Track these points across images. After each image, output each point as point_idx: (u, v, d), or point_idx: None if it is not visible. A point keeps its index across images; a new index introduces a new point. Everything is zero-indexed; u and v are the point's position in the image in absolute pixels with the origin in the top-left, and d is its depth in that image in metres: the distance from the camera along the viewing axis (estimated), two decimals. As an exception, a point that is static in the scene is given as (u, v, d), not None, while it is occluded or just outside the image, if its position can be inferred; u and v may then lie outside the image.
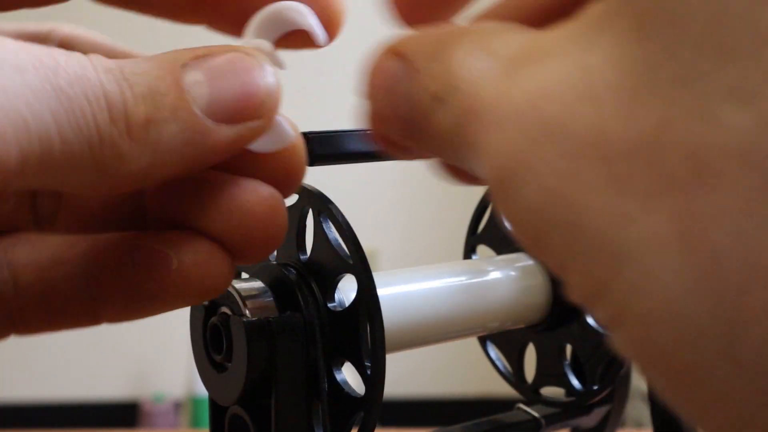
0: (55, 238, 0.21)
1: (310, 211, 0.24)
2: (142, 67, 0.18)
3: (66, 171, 0.17)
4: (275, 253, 0.25)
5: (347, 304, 0.23)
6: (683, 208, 0.11)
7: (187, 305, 0.20)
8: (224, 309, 0.23)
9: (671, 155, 0.11)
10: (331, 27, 0.22)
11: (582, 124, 0.12)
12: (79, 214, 0.22)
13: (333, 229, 0.23)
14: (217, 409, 0.25)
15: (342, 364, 0.23)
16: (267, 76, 0.19)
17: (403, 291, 0.27)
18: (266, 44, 0.21)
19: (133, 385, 1.82)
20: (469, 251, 0.34)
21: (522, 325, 0.31)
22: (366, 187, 1.75)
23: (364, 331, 0.22)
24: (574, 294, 0.13)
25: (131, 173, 0.18)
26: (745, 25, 0.11)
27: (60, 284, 0.20)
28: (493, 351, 0.33)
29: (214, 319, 0.23)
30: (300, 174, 0.21)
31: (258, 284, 0.24)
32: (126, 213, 0.21)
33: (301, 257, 0.24)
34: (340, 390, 0.23)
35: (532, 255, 0.14)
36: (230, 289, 0.23)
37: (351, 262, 0.22)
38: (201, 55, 0.19)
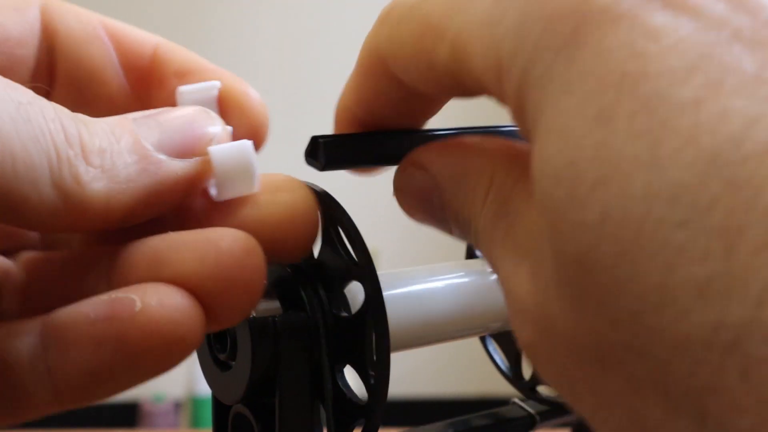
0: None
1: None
2: (99, 117, 0.19)
3: (27, 184, 0.17)
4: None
5: (353, 311, 0.23)
6: (631, 407, 0.15)
7: (154, 367, 0.18)
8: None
9: (611, 372, 0.15)
10: (258, 136, 0.23)
11: (560, 335, 0.16)
12: (44, 301, 0.21)
13: (342, 232, 0.23)
14: (220, 408, 0.25)
15: (344, 368, 0.23)
16: (213, 119, 0.21)
17: (405, 291, 0.27)
18: (217, 84, 0.23)
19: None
20: (471, 252, 0.34)
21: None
22: (367, 186, 1.75)
23: (369, 339, 0.22)
24: None
25: (91, 199, 0.18)
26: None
27: (13, 358, 0.18)
28: (493, 347, 0.34)
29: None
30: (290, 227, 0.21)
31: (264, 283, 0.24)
32: (94, 284, 0.20)
33: (309, 259, 0.24)
34: (342, 394, 0.23)
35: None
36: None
37: (359, 270, 0.22)
38: (154, 113, 0.20)
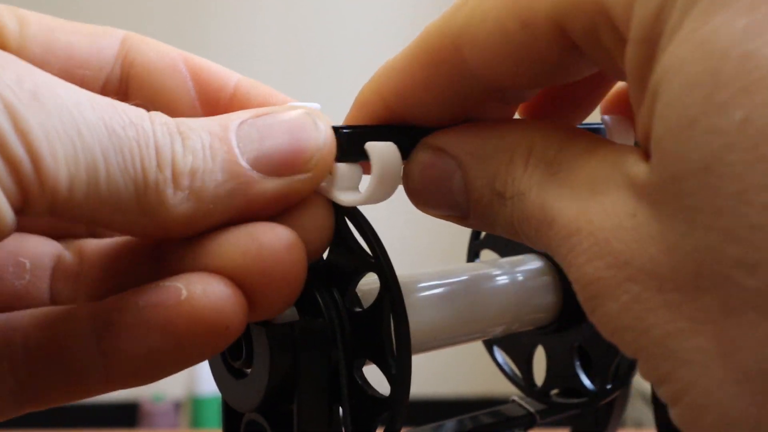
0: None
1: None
2: (200, 123, 0.19)
3: (111, 208, 0.17)
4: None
5: (365, 305, 0.23)
6: (720, 334, 0.15)
7: (200, 352, 0.19)
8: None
9: (707, 295, 0.15)
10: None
11: (641, 261, 0.16)
12: (98, 293, 0.22)
13: (351, 228, 0.23)
14: (232, 415, 0.24)
15: (364, 365, 0.23)
16: (319, 132, 0.20)
17: (410, 294, 0.26)
18: (318, 106, 0.22)
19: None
20: (472, 256, 0.34)
21: (532, 327, 0.31)
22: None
23: (386, 330, 0.22)
24: (643, 374, 0.17)
25: (174, 219, 0.18)
26: None
27: (69, 341, 0.19)
28: (500, 356, 0.33)
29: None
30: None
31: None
32: (145, 279, 0.21)
33: (319, 261, 0.24)
34: (363, 392, 0.22)
35: (611, 342, 0.18)
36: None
37: (372, 260, 0.22)
38: (261, 114, 0.20)
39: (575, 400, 0.31)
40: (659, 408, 0.31)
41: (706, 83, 0.15)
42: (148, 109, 0.22)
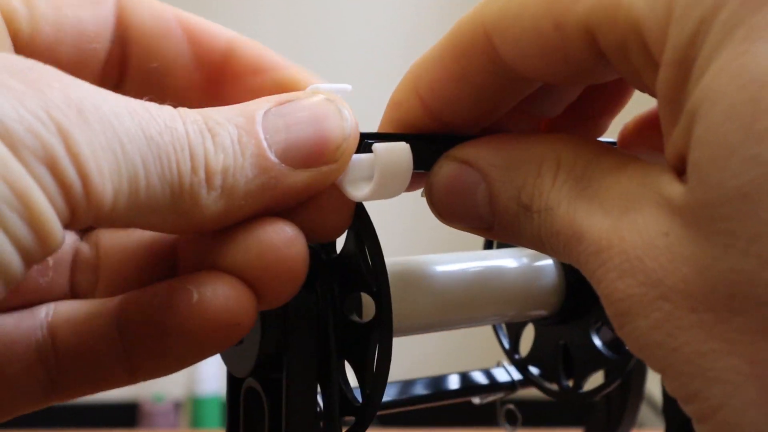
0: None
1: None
2: (225, 115, 0.19)
3: (148, 213, 0.18)
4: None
5: (364, 315, 0.24)
6: (755, 355, 0.15)
7: (215, 347, 0.20)
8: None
9: (741, 317, 0.15)
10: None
11: (673, 280, 0.16)
12: (115, 283, 0.23)
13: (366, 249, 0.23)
14: (233, 382, 0.26)
15: (344, 366, 0.24)
16: (345, 121, 0.20)
17: (414, 276, 0.27)
18: (348, 87, 0.22)
19: (132, 385, 1.82)
20: (488, 243, 0.35)
21: (529, 320, 0.32)
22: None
23: (372, 351, 0.23)
24: (669, 390, 0.17)
25: (207, 217, 0.19)
26: None
27: (95, 338, 0.21)
28: (500, 326, 0.35)
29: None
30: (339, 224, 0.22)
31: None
32: (160, 269, 0.22)
33: (331, 252, 0.25)
34: (340, 390, 0.24)
35: (638, 357, 0.18)
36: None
37: (374, 288, 0.23)
38: (284, 101, 0.20)
39: (548, 386, 0.32)
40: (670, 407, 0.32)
41: (746, 112, 0.15)
42: (148, 77, 0.23)
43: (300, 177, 0.20)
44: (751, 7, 0.15)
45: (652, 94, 0.18)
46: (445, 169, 0.22)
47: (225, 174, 0.19)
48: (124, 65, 0.23)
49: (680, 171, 0.17)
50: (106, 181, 0.16)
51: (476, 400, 0.33)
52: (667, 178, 0.17)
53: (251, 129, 0.19)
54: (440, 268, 0.28)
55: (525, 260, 0.30)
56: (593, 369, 0.31)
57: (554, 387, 0.32)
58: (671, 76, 0.17)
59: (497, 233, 0.22)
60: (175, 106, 0.20)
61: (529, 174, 0.20)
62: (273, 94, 0.23)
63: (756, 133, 0.15)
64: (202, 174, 0.18)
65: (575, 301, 0.30)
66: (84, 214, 0.16)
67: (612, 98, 0.25)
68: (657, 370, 0.17)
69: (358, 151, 0.21)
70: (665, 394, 0.33)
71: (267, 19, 1.83)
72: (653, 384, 0.37)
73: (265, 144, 0.19)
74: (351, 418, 0.24)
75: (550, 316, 0.31)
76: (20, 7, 0.20)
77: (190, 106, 0.23)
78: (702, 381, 0.16)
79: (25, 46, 0.21)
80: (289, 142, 0.20)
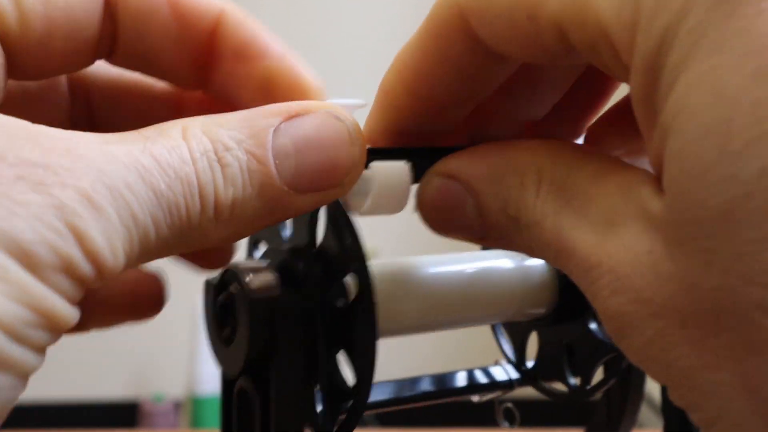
0: None
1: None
2: (235, 136, 0.19)
3: (156, 255, 0.18)
4: (288, 236, 0.26)
5: (351, 299, 0.23)
6: (745, 371, 0.15)
7: None
8: (232, 287, 0.24)
9: (727, 333, 0.15)
10: None
11: (662, 297, 0.16)
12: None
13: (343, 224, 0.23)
14: (226, 382, 0.26)
15: (337, 353, 0.24)
16: (354, 146, 0.20)
17: (412, 276, 0.27)
18: (363, 102, 0.22)
19: (133, 385, 1.82)
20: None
21: (528, 319, 0.31)
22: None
23: (360, 329, 0.23)
24: (673, 400, 0.17)
25: (212, 241, 0.19)
26: None
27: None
28: (501, 332, 0.35)
29: (222, 296, 0.25)
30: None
31: (265, 264, 0.25)
32: None
33: (311, 245, 0.25)
34: (333, 377, 0.24)
35: (641, 368, 0.18)
36: (238, 267, 0.24)
37: (354, 263, 0.23)
38: (293, 114, 0.20)
39: (557, 390, 0.32)
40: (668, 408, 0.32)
41: (720, 132, 0.15)
42: (137, 54, 0.22)
43: (305, 200, 0.20)
44: (719, 15, 0.15)
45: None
46: (432, 184, 0.22)
47: (233, 206, 0.19)
48: (114, 42, 0.23)
49: (660, 177, 0.17)
50: (120, 256, 0.17)
51: (475, 398, 0.32)
52: (648, 190, 0.17)
53: (262, 155, 0.19)
54: (433, 269, 0.28)
55: (518, 259, 0.30)
56: (598, 359, 0.30)
57: (562, 389, 0.32)
58: (641, 84, 0.17)
59: (490, 242, 0.22)
60: (172, 95, 0.20)
61: (513, 186, 0.20)
62: (261, 85, 0.22)
63: (732, 152, 0.15)
64: (211, 212, 0.18)
65: (571, 296, 0.30)
66: (95, 284, 0.17)
67: (595, 98, 0.25)
68: (659, 382, 0.18)
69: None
70: (664, 394, 0.33)
71: (267, 18, 1.83)
72: (653, 384, 0.37)
73: (274, 172, 0.19)
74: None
75: (548, 315, 0.31)
76: (8, 7, 0.20)
77: (180, 86, 0.23)
78: (699, 394, 0.16)
79: (15, 44, 0.20)
80: (299, 169, 0.19)
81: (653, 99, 0.16)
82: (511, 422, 0.35)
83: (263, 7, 1.87)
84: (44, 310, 0.16)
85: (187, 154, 0.18)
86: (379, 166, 0.21)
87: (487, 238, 0.21)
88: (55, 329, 0.16)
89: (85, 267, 0.16)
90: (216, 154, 0.18)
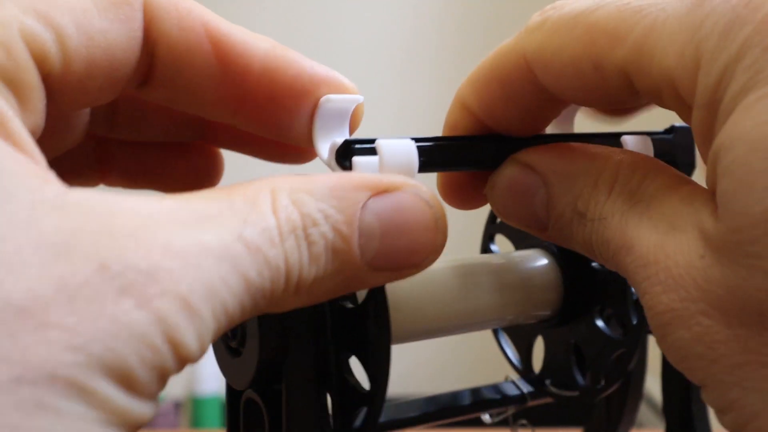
0: None
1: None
2: (324, 210, 0.18)
3: (231, 327, 0.18)
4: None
5: (359, 301, 0.23)
6: None
7: None
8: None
9: None
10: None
11: (710, 298, 0.18)
12: None
13: None
14: (232, 394, 0.26)
15: (349, 358, 0.24)
16: (438, 233, 0.20)
17: (416, 282, 0.27)
18: (360, 98, 0.23)
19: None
20: (487, 239, 0.35)
21: (533, 321, 0.31)
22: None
23: (372, 330, 0.23)
24: (707, 401, 0.19)
25: (287, 308, 0.19)
26: None
27: None
28: (504, 340, 0.34)
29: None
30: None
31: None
32: None
33: None
34: (346, 383, 0.24)
35: (679, 369, 0.19)
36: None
37: None
38: (381, 191, 0.19)
39: (567, 393, 0.32)
40: (669, 405, 0.32)
41: (766, 148, 0.17)
42: (174, 88, 0.22)
43: (380, 277, 0.20)
44: None
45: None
46: (509, 170, 0.23)
47: (313, 283, 0.18)
48: (150, 75, 0.23)
49: (715, 195, 0.19)
50: (205, 347, 0.17)
51: (486, 418, 0.32)
52: (706, 208, 0.19)
53: (348, 235, 0.19)
54: (440, 273, 0.28)
55: (521, 261, 0.30)
56: (607, 356, 0.30)
57: (572, 392, 0.32)
58: (702, 118, 0.19)
59: (551, 235, 0.23)
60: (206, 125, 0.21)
61: (587, 184, 0.22)
62: (313, 114, 0.23)
63: None
64: (292, 289, 0.18)
65: (576, 297, 0.30)
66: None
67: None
68: (697, 381, 0.19)
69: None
70: (665, 394, 0.33)
71: (267, 20, 1.83)
72: (653, 384, 0.37)
73: (358, 252, 0.19)
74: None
75: (554, 316, 0.31)
76: (52, 48, 0.19)
77: (219, 120, 0.23)
78: (739, 390, 0.17)
79: (56, 84, 0.20)
80: (381, 250, 0.19)
81: (712, 131, 0.18)
82: None
83: (263, 8, 1.86)
84: (136, 421, 0.15)
85: (277, 234, 0.18)
86: (384, 144, 0.21)
87: (549, 229, 0.23)
88: (137, 429, 0.16)
89: (173, 368, 0.16)
90: (304, 231, 0.18)
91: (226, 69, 0.22)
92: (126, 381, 0.15)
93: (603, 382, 0.30)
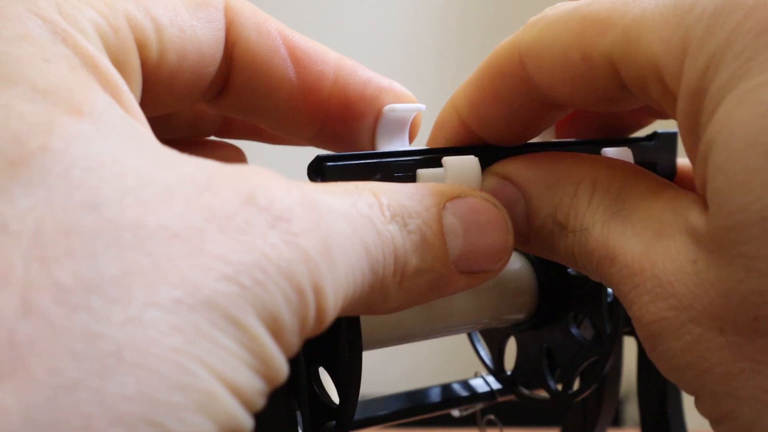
0: None
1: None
2: (414, 207, 0.19)
3: (344, 314, 0.18)
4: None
5: None
6: None
7: None
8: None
9: (765, 338, 0.16)
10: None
11: (702, 304, 0.17)
12: None
13: None
14: None
15: (319, 369, 0.24)
16: (509, 233, 0.21)
17: None
18: (423, 107, 0.24)
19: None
20: None
21: (507, 325, 0.31)
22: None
23: (343, 344, 0.23)
24: (701, 411, 0.18)
25: (383, 311, 0.19)
26: None
27: None
28: (477, 339, 0.34)
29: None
30: None
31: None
32: None
33: None
34: (315, 396, 0.23)
35: (670, 380, 0.18)
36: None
37: None
38: (454, 197, 0.20)
39: (538, 396, 0.32)
40: (645, 407, 0.32)
41: (765, 141, 0.16)
42: (249, 96, 0.22)
43: (461, 282, 0.20)
44: (762, 42, 0.16)
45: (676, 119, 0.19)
46: (487, 183, 0.23)
47: (414, 275, 0.19)
48: (227, 81, 0.23)
49: (704, 194, 0.18)
50: (336, 310, 0.16)
51: (456, 413, 0.32)
52: (695, 209, 0.18)
53: (438, 230, 0.19)
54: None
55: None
56: (579, 363, 0.30)
57: (544, 396, 0.32)
58: (687, 107, 0.18)
59: (532, 247, 0.23)
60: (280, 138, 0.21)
61: (566, 193, 0.21)
62: (377, 119, 0.23)
63: None
64: (399, 277, 0.18)
65: (551, 301, 0.30)
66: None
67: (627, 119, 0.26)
68: (690, 391, 0.18)
69: (428, 166, 0.22)
70: (641, 394, 0.33)
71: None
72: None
73: (447, 247, 0.19)
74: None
75: (528, 320, 0.31)
76: (151, 35, 0.19)
77: (292, 132, 0.23)
78: (733, 401, 0.17)
79: (151, 75, 0.20)
80: (465, 249, 0.20)
81: (698, 122, 0.18)
82: None
83: (261, 5, 1.84)
84: (273, 377, 0.15)
85: (382, 215, 0.18)
86: (450, 161, 0.22)
87: (530, 242, 0.22)
88: (270, 389, 0.15)
89: (311, 323, 0.16)
90: (403, 219, 0.19)
91: (303, 77, 0.23)
92: (273, 324, 0.14)
93: (575, 387, 0.30)
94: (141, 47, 0.19)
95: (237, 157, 0.28)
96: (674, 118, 0.19)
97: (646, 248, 0.19)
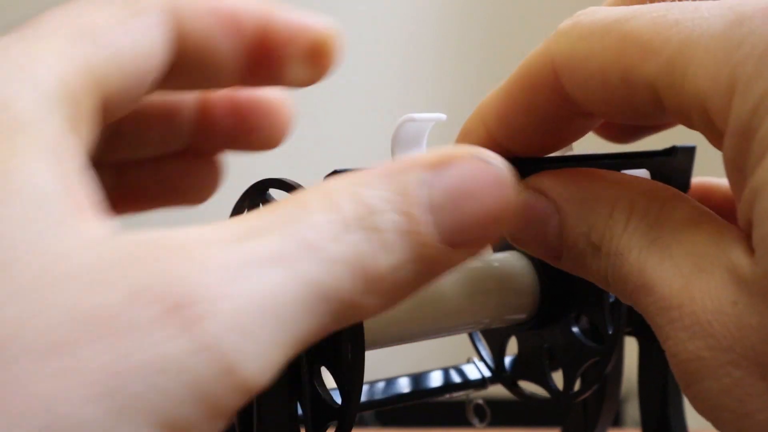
0: None
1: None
2: (384, 196, 0.17)
3: (310, 342, 0.17)
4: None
5: None
6: None
7: None
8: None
9: None
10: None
11: (743, 347, 0.17)
12: None
13: None
14: None
15: (321, 368, 0.24)
16: (509, 190, 0.18)
17: None
18: (443, 117, 0.23)
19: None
20: None
21: (508, 324, 0.31)
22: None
23: (346, 345, 0.22)
24: None
25: (368, 317, 0.18)
26: None
27: None
28: (478, 338, 0.34)
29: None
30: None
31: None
32: None
33: None
34: (317, 395, 0.23)
35: (706, 419, 0.18)
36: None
37: None
38: (436, 165, 0.18)
39: (539, 396, 0.32)
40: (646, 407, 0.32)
41: None
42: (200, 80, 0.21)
43: (460, 255, 0.18)
44: None
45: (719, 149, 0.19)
46: (521, 196, 0.22)
47: (383, 279, 0.17)
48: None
49: (749, 235, 0.18)
50: (268, 367, 0.15)
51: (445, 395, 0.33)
52: (738, 247, 0.18)
53: (415, 215, 0.17)
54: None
55: (498, 264, 0.30)
56: (581, 364, 0.30)
57: (544, 396, 0.31)
58: (735, 147, 0.18)
59: (564, 264, 0.22)
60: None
61: (602, 214, 0.21)
62: (310, 58, 0.22)
63: None
64: (370, 286, 0.16)
65: (552, 301, 0.30)
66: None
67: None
68: None
69: None
70: (642, 396, 0.33)
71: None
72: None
73: (431, 230, 0.17)
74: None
75: (529, 320, 0.30)
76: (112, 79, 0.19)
77: (233, 84, 0.22)
78: None
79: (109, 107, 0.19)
80: (456, 223, 0.17)
81: (745, 163, 0.17)
82: (482, 419, 0.35)
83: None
84: None
85: (337, 229, 0.16)
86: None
87: (562, 259, 0.22)
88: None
89: (230, 402, 0.14)
90: (369, 220, 0.17)
91: (234, 30, 0.21)
92: (171, 427, 0.13)
93: (576, 388, 0.30)
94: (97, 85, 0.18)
95: (211, 164, 0.27)
96: (718, 148, 0.19)
97: (685, 282, 0.18)
